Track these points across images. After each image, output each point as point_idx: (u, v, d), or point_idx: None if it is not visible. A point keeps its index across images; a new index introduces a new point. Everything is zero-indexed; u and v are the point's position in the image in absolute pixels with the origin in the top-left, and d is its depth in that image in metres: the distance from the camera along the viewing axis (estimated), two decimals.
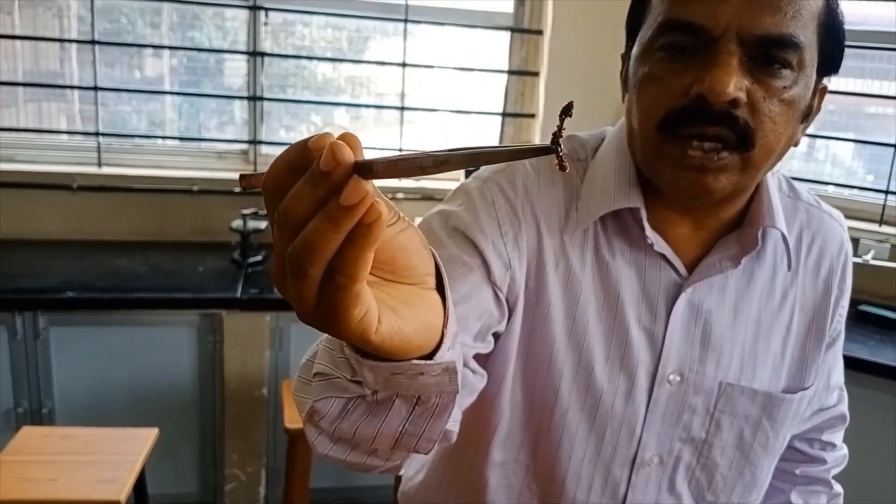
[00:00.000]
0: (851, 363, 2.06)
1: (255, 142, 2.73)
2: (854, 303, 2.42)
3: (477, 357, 0.81)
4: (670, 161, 0.73)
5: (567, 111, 0.39)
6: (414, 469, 1.04)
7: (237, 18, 2.68)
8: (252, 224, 2.47)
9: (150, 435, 1.86)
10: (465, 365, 0.77)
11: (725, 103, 0.69)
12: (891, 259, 2.47)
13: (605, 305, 0.83)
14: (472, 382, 0.80)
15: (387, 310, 0.45)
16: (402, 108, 2.77)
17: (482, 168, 0.85)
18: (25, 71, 2.64)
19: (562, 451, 0.85)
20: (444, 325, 0.51)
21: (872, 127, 2.73)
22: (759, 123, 0.71)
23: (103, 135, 2.62)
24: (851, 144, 2.77)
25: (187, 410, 2.33)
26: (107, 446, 1.80)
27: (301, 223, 0.40)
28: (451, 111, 2.84)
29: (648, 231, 0.80)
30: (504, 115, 2.88)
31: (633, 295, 0.83)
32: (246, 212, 2.46)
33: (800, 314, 0.88)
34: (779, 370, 0.87)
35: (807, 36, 0.70)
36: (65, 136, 2.67)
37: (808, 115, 0.77)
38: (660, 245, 0.82)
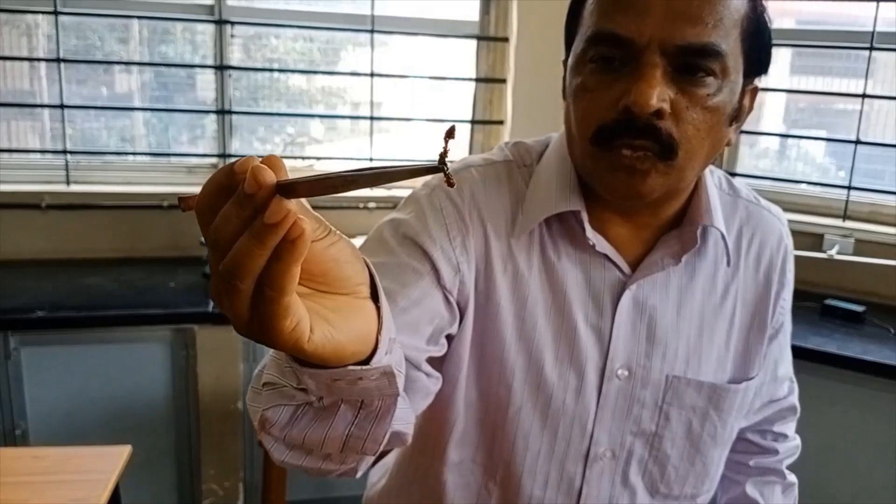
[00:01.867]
0: (818, 357, 2.12)
1: (224, 155, 2.74)
2: (820, 297, 2.47)
3: (431, 360, 0.83)
4: (604, 166, 0.76)
5: (450, 134, 0.42)
6: (378, 474, 1.05)
7: (206, 32, 2.69)
8: None
9: (123, 452, 1.85)
10: (418, 368, 0.79)
11: (650, 114, 0.71)
12: (855, 253, 2.51)
13: (553, 305, 0.85)
14: (427, 385, 0.81)
15: (319, 319, 0.47)
16: (372, 118, 2.79)
17: (432, 177, 0.87)
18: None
19: (517, 448, 0.87)
20: (378, 332, 0.53)
21: (841, 124, 2.77)
22: (683, 132, 0.74)
23: (71, 152, 2.62)
24: (823, 142, 2.82)
25: (163, 426, 2.32)
26: (79, 465, 1.78)
27: (231, 242, 0.43)
28: (422, 119, 2.86)
29: (589, 232, 0.83)
30: (473, 122, 2.91)
31: (579, 294, 0.85)
32: None
33: (742, 307, 0.90)
34: (723, 362, 0.89)
35: (729, 44, 0.73)
36: (33, 155, 2.66)
37: (736, 116, 0.79)
38: (601, 245, 0.84)
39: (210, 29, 2.67)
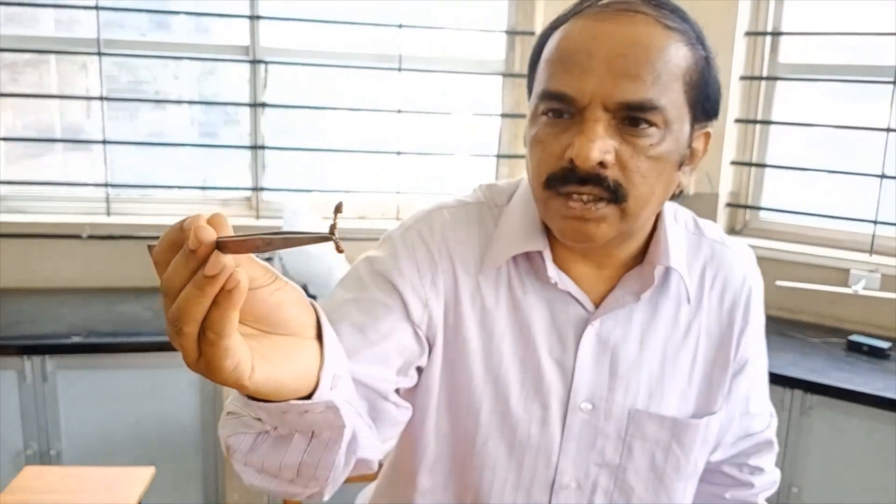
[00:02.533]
0: (842, 393, 2.10)
1: (257, 188, 2.84)
2: (845, 332, 2.44)
3: (401, 391, 0.88)
4: (556, 212, 0.80)
5: (339, 209, 0.49)
6: (364, 498, 1.10)
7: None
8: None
9: (146, 473, 1.92)
10: (386, 399, 0.84)
11: (592, 166, 0.76)
12: (882, 289, 2.48)
13: (519, 339, 0.89)
14: (395, 415, 0.86)
15: (261, 358, 0.53)
16: (399, 153, 2.87)
17: (409, 217, 0.93)
18: (59, 124, 2.82)
19: (484, 477, 0.91)
20: (320, 370, 0.58)
21: (866, 158, 2.75)
22: (629, 179, 0.78)
23: (112, 185, 2.75)
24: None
25: (190, 450, 2.40)
26: (104, 485, 1.86)
27: (178, 290, 0.49)
28: (448, 154, 2.93)
29: (551, 270, 0.87)
30: (499, 156, 2.97)
31: (543, 329, 0.89)
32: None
33: (706, 343, 0.93)
34: (686, 396, 0.92)
35: (669, 97, 0.77)
36: (76, 188, 2.80)
37: (683, 161, 0.83)
38: (564, 283, 0.88)
39: (244, 69, 2.78)
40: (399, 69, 2.80)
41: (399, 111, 2.82)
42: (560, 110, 0.78)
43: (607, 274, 0.90)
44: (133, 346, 2.28)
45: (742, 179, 2.84)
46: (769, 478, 1.07)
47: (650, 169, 0.78)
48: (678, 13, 0.81)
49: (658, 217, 0.89)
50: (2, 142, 2.73)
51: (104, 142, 2.71)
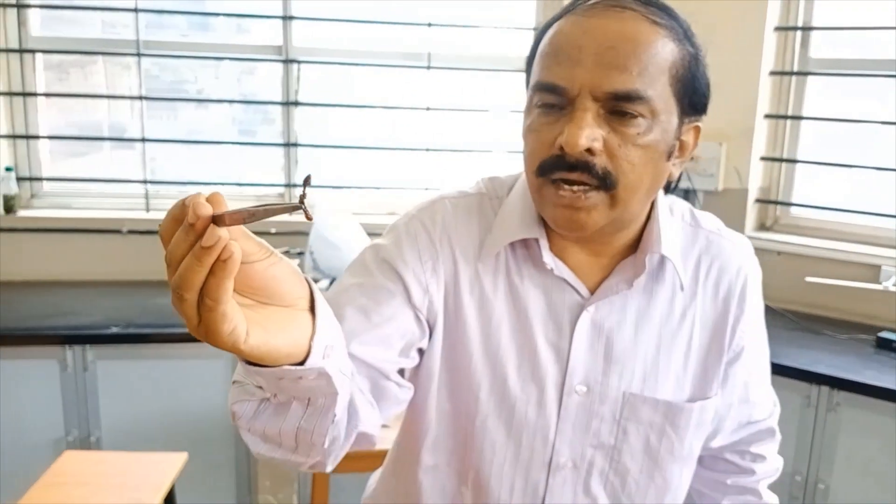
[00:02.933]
0: (870, 390, 2.09)
1: (289, 185, 2.91)
2: (875, 329, 2.42)
3: (404, 371, 0.93)
4: (548, 200, 0.84)
5: (307, 182, 0.55)
6: (374, 480, 1.14)
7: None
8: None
9: (179, 459, 2.00)
10: (388, 378, 0.89)
11: (581, 152, 0.79)
12: None
13: (516, 324, 0.92)
14: (397, 394, 0.91)
15: (256, 326, 0.58)
16: (428, 150, 2.91)
17: (413, 207, 0.98)
18: (106, 123, 2.94)
19: (484, 455, 0.95)
20: (312, 338, 0.63)
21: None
22: (617, 167, 0.81)
23: (151, 182, 2.84)
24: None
25: (223, 438, 2.47)
26: (138, 469, 1.94)
27: (180, 261, 0.54)
28: (475, 151, 2.97)
29: (547, 258, 0.90)
30: None
31: (540, 314, 0.92)
32: (278, 251, 2.62)
33: (700, 330, 0.95)
34: (681, 381, 0.95)
35: (656, 89, 0.80)
36: (118, 184, 2.90)
37: (671, 152, 0.86)
38: (560, 270, 0.91)
39: (279, 67, 2.85)
40: (428, 67, 2.85)
41: (428, 108, 2.87)
42: (552, 102, 0.82)
43: (603, 262, 0.93)
44: (169, 337, 2.36)
45: (772, 175, 2.83)
46: (771, 465, 1.09)
47: (638, 157, 0.81)
48: (666, 11, 0.84)
49: (652, 208, 0.92)
50: (46, 140, 2.84)
51: (143, 140, 2.80)
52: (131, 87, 2.85)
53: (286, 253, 2.63)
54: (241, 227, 0.56)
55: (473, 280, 0.92)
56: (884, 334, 2.37)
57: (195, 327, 0.56)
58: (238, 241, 0.54)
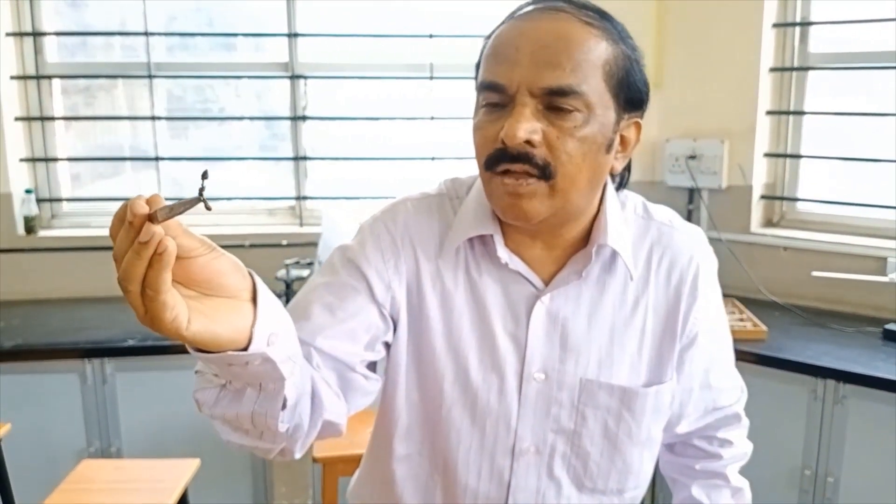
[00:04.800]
0: (877, 382, 2.09)
1: (300, 198, 2.98)
2: (882, 321, 2.41)
3: (374, 365, 0.99)
4: (495, 192, 0.89)
5: (204, 176, 0.61)
6: (356, 475, 1.19)
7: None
8: (294, 273, 2.68)
9: (191, 465, 2.07)
10: (354, 370, 0.94)
11: (520, 144, 0.84)
12: None
13: (476, 316, 0.97)
14: (364, 385, 0.96)
15: (198, 314, 0.65)
16: (433, 159, 2.97)
17: (378, 209, 1.03)
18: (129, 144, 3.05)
19: (450, 443, 0.99)
20: (252, 326, 0.68)
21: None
22: (556, 158, 0.86)
23: (166, 199, 2.92)
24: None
25: None
26: (153, 475, 2.02)
27: (123, 256, 0.60)
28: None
29: (501, 252, 0.95)
30: None
31: (498, 306, 0.97)
32: (289, 262, 2.69)
33: (654, 318, 0.99)
34: (637, 367, 0.98)
35: (590, 84, 0.85)
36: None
37: (612, 146, 0.90)
38: (514, 263, 0.96)
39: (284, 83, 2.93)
40: (430, 77, 2.90)
41: (432, 118, 2.92)
42: (495, 101, 0.87)
43: (556, 255, 0.97)
44: (184, 349, 2.39)
45: (776, 171, 2.83)
46: (738, 450, 1.11)
47: (575, 149, 0.86)
48: (600, 14, 0.89)
49: (602, 202, 0.96)
50: (66, 163, 2.94)
51: (156, 158, 2.89)
52: (155, 108, 2.94)
53: (296, 264, 2.69)
54: (180, 225, 0.62)
55: (435, 276, 0.97)
56: (890, 326, 2.37)
57: (142, 316, 0.62)
58: (178, 238, 0.61)
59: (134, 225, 0.59)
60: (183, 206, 0.59)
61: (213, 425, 0.84)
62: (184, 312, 0.62)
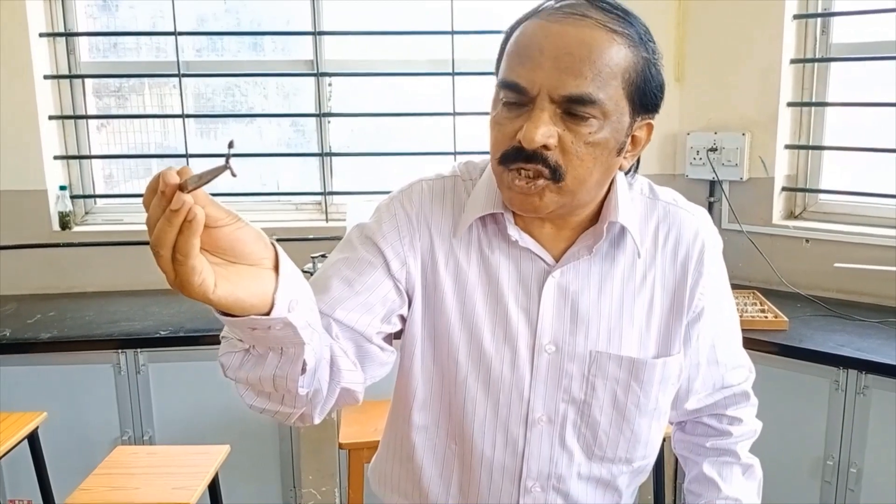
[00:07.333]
0: (889, 370, 2.09)
1: (326, 193, 3.04)
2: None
3: (387, 337, 1.04)
4: (506, 185, 0.94)
5: (231, 145, 0.65)
6: (377, 451, 1.24)
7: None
8: (320, 266, 2.74)
9: (221, 451, 2.13)
10: (370, 341, 1.00)
11: (537, 147, 0.88)
12: None
13: (489, 291, 1.02)
14: (380, 356, 1.02)
15: (223, 279, 0.70)
16: (455, 154, 3.01)
17: (395, 188, 1.08)
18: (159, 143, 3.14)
19: (466, 413, 1.04)
20: (275, 292, 0.73)
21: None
22: (568, 161, 0.90)
23: None
24: None
25: (268, 433, 2.60)
26: (183, 461, 2.08)
27: (155, 223, 0.66)
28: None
29: (511, 230, 0.99)
30: None
31: (510, 282, 1.01)
32: (315, 255, 2.75)
33: (661, 293, 1.03)
34: (645, 340, 1.02)
35: (608, 92, 0.88)
36: None
37: (623, 148, 0.94)
38: (525, 241, 1.00)
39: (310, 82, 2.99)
40: (453, 73, 2.94)
41: (455, 114, 2.97)
42: (515, 100, 0.91)
43: (566, 234, 1.01)
44: (215, 339, 2.47)
45: (798, 163, 2.83)
46: (748, 427, 1.14)
47: (588, 153, 0.90)
48: (626, 17, 0.91)
49: (612, 184, 0.99)
50: (99, 162, 3.03)
51: (186, 156, 2.97)
52: (185, 107, 3.02)
53: (322, 257, 2.75)
54: (208, 196, 0.67)
55: (449, 254, 1.02)
56: None
57: (172, 280, 0.67)
58: (206, 207, 0.66)
59: (166, 194, 0.64)
60: (210, 174, 0.64)
61: (237, 389, 0.89)
62: (210, 277, 0.68)
